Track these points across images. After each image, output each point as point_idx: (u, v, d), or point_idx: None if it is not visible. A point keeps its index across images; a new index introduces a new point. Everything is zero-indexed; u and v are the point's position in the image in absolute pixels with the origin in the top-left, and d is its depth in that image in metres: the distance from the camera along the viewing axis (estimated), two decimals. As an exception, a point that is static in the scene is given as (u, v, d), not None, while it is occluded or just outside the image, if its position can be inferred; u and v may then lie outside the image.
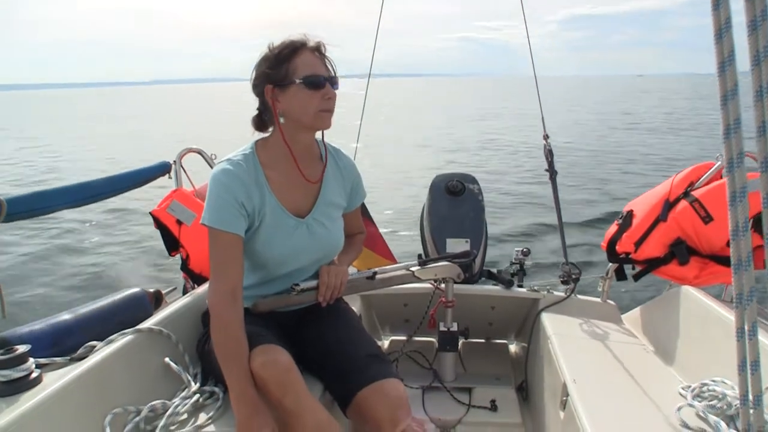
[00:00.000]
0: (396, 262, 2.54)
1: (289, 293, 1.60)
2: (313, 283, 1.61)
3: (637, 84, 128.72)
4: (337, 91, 1.54)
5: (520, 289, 2.33)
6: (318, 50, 1.53)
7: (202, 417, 1.50)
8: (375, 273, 1.79)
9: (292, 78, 1.47)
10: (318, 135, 1.65)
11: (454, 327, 2.04)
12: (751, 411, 0.79)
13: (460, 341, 2.11)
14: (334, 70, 1.55)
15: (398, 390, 1.52)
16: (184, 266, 2.26)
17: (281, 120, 1.53)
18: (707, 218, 1.93)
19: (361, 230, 1.91)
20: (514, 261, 2.52)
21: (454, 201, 2.46)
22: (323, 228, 1.65)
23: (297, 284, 1.59)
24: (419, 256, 2.55)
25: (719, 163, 2.04)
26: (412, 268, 1.88)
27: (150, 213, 2.30)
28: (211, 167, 2.48)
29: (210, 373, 1.68)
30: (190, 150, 2.48)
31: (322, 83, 1.48)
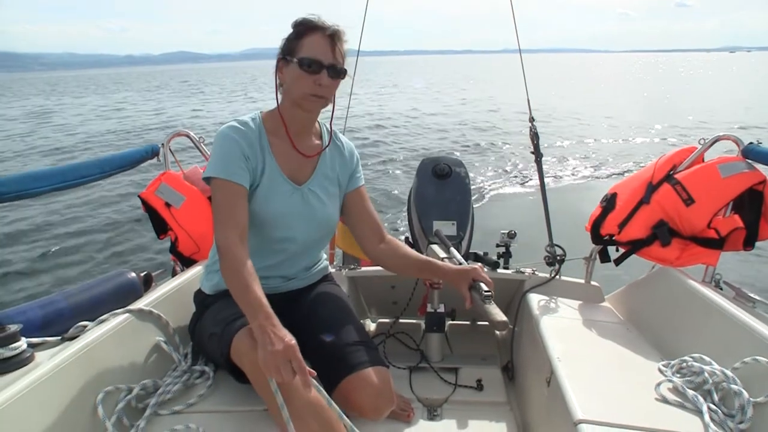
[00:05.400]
0: None
1: (484, 302, 1.58)
2: (482, 286, 1.61)
3: None
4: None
5: (506, 271, 2.36)
6: (332, 37, 1.51)
7: (193, 395, 1.52)
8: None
9: (295, 54, 1.50)
10: (323, 118, 1.70)
11: (441, 308, 2.07)
12: None
13: (447, 322, 2.14)
14: (342, 61, 1.54)
15: (383, 378, 1.54)
16: (173, 249, 2.27)
17: (281, 91, 1.59)
18: (689, 200, 1.96)
19: (380, 231, 1.80)
20: (499, 243, 2.55)
21: (441, 184, 2.47)
22: (318, 200, 1.67)
23: (487, 291, 1.58)
24: (406, 239, 2.57)
25: (701, 147, 2.08)
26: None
27: (138, 196, 2.30)
28: (199, 150, 2.49)
29: (200, 352, 1.70)
30: (179, 133, 2.47)
31: (318, 69, 1.49)
